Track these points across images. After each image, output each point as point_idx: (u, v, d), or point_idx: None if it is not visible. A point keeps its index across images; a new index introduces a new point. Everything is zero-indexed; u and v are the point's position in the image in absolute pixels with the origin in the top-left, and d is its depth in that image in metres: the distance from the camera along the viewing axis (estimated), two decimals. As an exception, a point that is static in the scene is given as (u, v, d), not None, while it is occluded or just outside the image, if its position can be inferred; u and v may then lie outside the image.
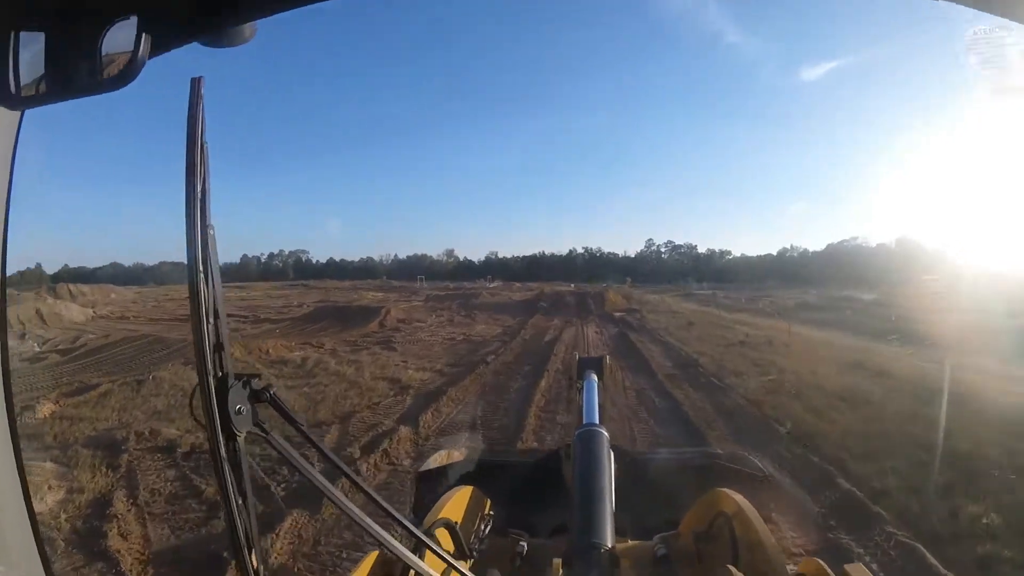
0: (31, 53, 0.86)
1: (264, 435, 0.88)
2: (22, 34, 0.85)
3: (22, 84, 0.87)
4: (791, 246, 51.49)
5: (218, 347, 0.85)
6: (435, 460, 2.26)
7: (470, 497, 1.83)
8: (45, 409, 9.68)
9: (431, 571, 1.05)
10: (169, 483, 6.77)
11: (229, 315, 0.92)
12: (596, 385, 2.26)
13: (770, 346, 16.43)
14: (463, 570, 1.19)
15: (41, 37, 0.85)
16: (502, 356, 15.63)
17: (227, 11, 0.92)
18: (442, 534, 1.53)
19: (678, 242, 56.44)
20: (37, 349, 17.89)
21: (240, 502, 0.84)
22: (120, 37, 0.84)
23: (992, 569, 4.73)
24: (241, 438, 0.85)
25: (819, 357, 14.28)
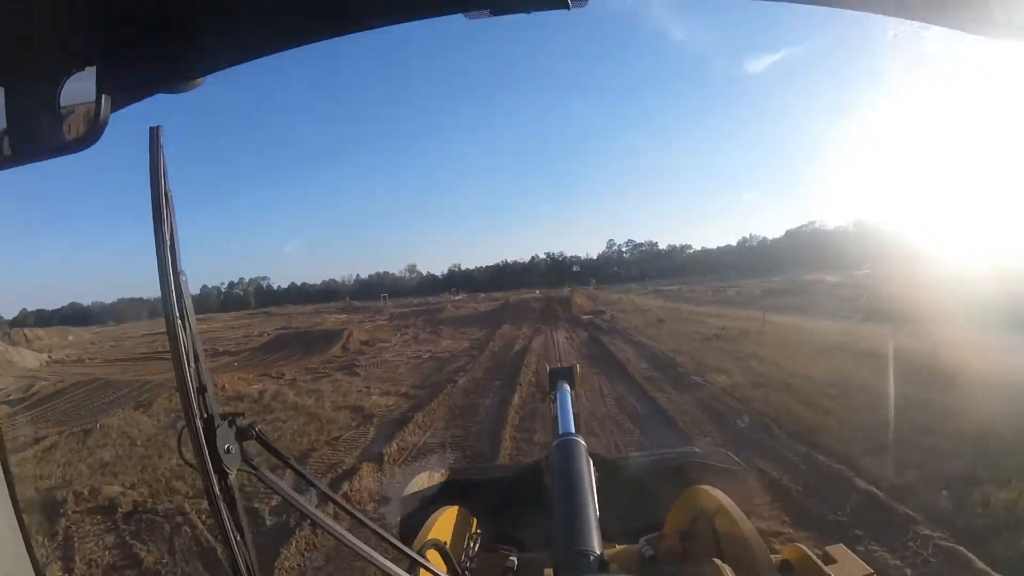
0: None
1: (254, 471, 0.91)
2: None
3: None
4: (750, 235, 52.04)
5: (201, 389, 0.87)
6: (416, 483, 2.14)
7: (456, 517, 1.79)
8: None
9: None
10: (107, 551, 6.48)
11: None
12: (569, 395, 2.29)
13: (746, 337, 16.07)
14: None
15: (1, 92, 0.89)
16: (470, 372, 14.77)
17: (184, 65, 0.95)
18: (433, 556, 1.49)
19: (639, 240, 56.27)
20: (-14, 401, 16.79)
21: (238, 537, 0.86)
22: (79, 89, 0.87)
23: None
24: (232, 475, 0.88)
25: (798, 343, 13.97)
